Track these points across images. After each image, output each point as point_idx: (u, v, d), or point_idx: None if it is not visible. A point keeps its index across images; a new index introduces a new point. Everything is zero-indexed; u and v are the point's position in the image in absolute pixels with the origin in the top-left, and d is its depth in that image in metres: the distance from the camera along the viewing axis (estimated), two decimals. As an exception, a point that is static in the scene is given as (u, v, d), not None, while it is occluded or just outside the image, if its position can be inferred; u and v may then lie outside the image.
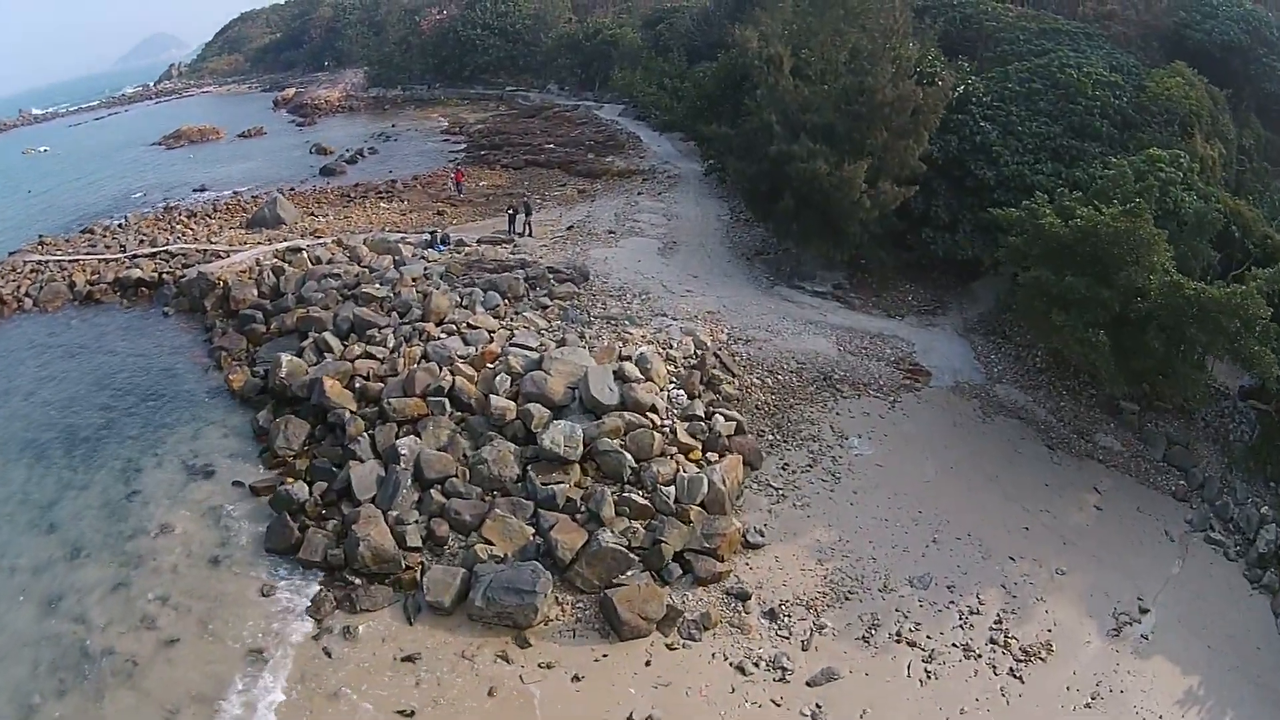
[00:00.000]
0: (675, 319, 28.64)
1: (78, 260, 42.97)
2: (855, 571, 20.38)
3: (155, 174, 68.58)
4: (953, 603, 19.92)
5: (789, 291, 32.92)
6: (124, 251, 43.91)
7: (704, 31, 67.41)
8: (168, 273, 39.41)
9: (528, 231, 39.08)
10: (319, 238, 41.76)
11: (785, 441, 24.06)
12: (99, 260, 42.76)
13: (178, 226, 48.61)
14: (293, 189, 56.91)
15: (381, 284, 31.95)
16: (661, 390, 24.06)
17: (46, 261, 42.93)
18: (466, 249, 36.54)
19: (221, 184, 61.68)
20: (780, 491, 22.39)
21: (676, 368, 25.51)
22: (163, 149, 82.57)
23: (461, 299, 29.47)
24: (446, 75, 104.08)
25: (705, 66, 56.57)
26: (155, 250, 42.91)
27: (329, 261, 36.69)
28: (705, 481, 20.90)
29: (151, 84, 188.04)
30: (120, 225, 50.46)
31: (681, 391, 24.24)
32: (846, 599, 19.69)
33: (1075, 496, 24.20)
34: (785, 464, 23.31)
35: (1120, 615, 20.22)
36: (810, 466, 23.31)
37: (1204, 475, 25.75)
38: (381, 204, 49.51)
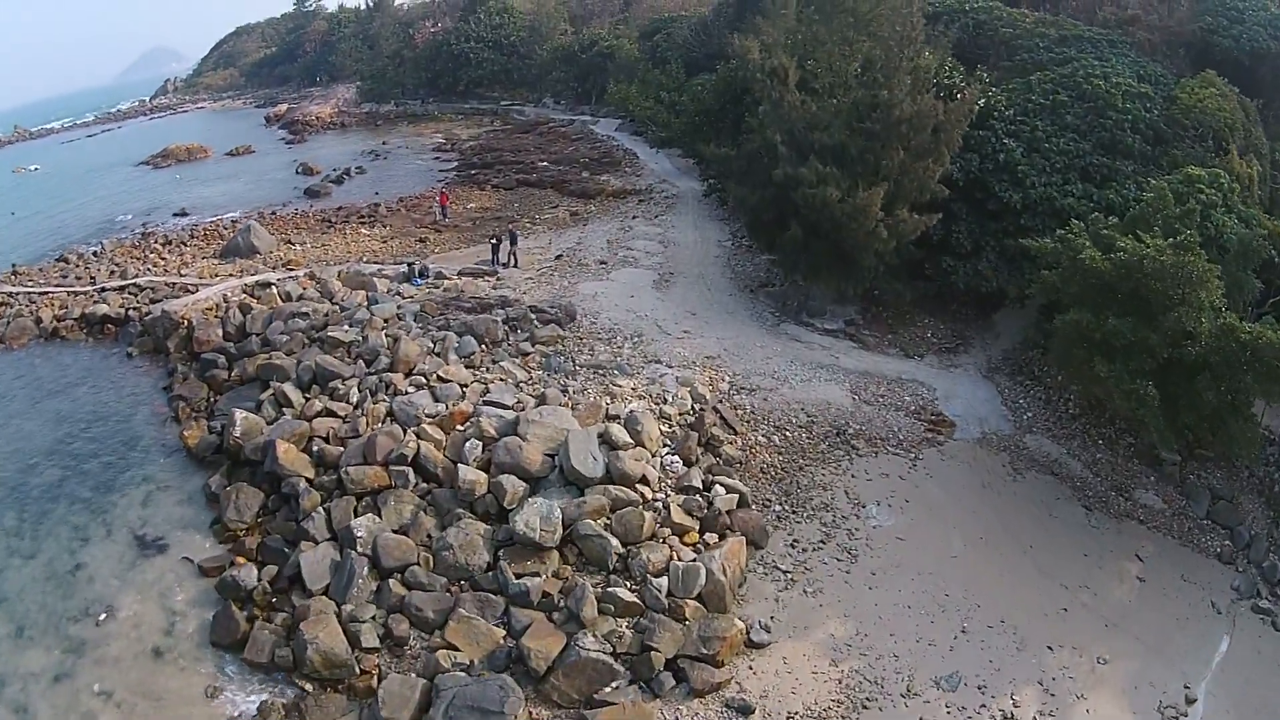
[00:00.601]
0: (671, 366, 25.80)
1: (47, 293, 41.03)
2: (874, 673, 17.62)
3: (139, 196, 66.70)
4: (984, 706, 17.29)
5: (797, 330, 30.07)
6: (94, 283, 42.13)
7: (703, 42, 64.88)
8: (134, 308, 37.43)
9: (513, 262, 36.46)
10: (291, 270, 39.32)
11: (794, 513, 21.23)
12: (68, 293, 40.87)
13: (151, 255, 46.76)
14: (274, 212, 54.91)
15: (350, 325, 29.38)
16: (654, 456, 21.27)
17: (16, 294, 40.95)
18: (446, 282, 33.96)
19: (203, 207, 59.99)
20: (789, 575, 19.56)
21: (671, 427, 22.67)
22: (149, 169, 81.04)
23: (434, 344, 26.80)
24: (440, 89, 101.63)
25: (704, 79, 54.04)
26: (124, 283, 41.06)
27: (299, 298, 34.25)
28: (703, 572, 18.11)
29: (147, 99, 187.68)
30: (95, 253, 48.71)
31: (676, 458, 21.39)
32: (864, 708, 16.95)
33: (1116, 567, 21.67)
34: (795, 540, 20.48)
35: (1166, 709, 18.01)
36: (823, 543, 20.48)
37: (1250, 534, 23.36)
38: (362, 230, 46.95)
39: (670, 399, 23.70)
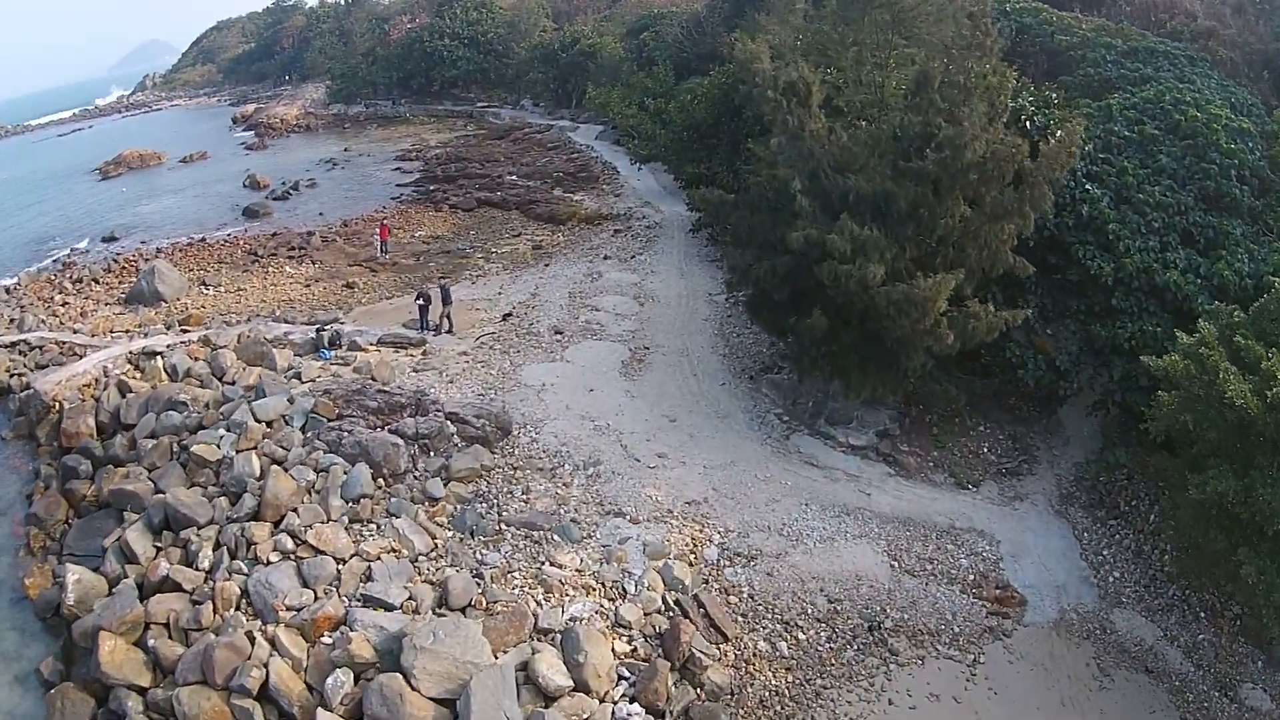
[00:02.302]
0: (636, 522, 18.61)
1: (-57, 347, 34.20)
2: None
3: (80, 213, 60.88)
4: None
5: (812, 446, 22.43)
6: (-7, 335, 35.60)
7: (695, 41, 57.80)
8: (18, 374, 30.56)
9: (446, 326, 29.31)
10: (189, 329, 32.34)
11: (809, 782, 14.25)
12: (-34, 348, 34.21)
13: (57, 298, 40.03)
14: (203, 238, 48.59)
15: (227, 430, 22.38)
16: (603, 702, 14.24)
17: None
18: (360, 355, 26.98)
19: (136, 228, 54.06)
20: None
21: (631, 643, 15.46)
22: (99, 178, 75.04)
23: (316, 475, 19.74)
24: (414, 90, 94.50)
25: (694, 83, 46.91)
26: (16, 339, 34.22)
27: (186, 373, 27.44)
28: None
29: (126, 95, 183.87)
30: (9, 290, 42.11)
31: (636, 707, 14.24)
32: None
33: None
34: (809, 839, 13.51)
35: None
36: (851, 839, 13.51)
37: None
38: (288, 268, 40.01)
39: (633, 588, 16.48)
